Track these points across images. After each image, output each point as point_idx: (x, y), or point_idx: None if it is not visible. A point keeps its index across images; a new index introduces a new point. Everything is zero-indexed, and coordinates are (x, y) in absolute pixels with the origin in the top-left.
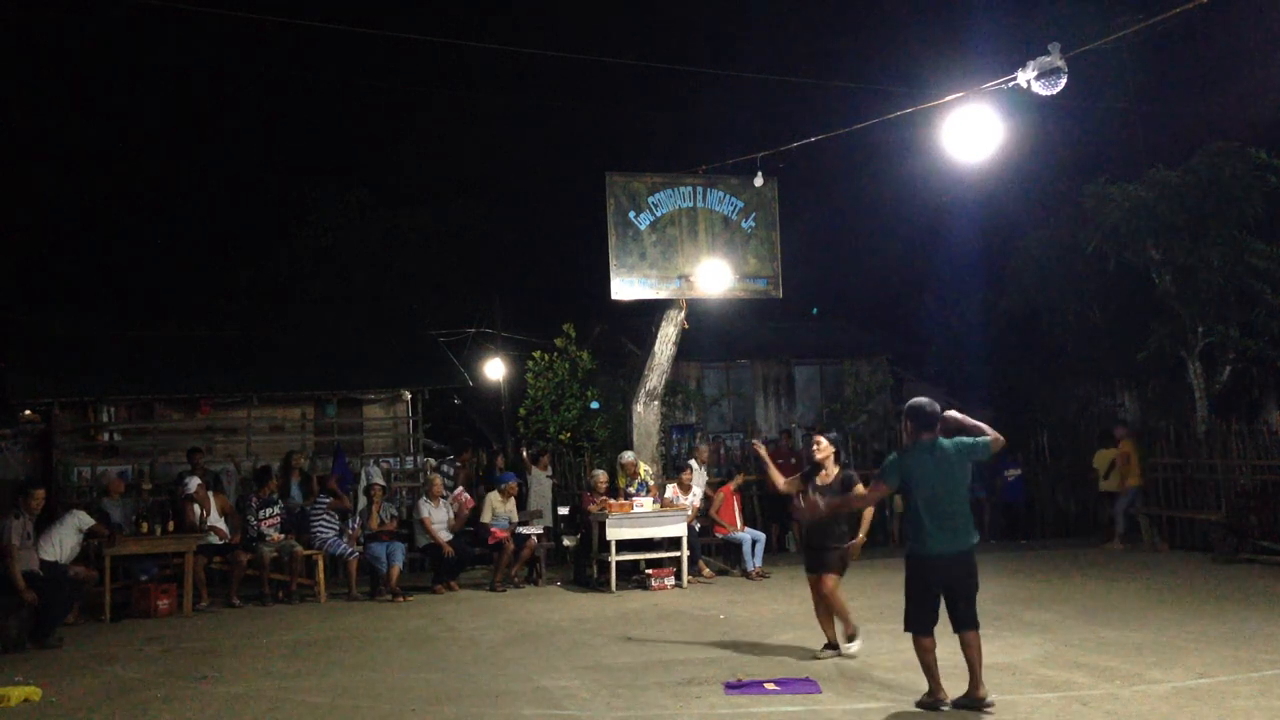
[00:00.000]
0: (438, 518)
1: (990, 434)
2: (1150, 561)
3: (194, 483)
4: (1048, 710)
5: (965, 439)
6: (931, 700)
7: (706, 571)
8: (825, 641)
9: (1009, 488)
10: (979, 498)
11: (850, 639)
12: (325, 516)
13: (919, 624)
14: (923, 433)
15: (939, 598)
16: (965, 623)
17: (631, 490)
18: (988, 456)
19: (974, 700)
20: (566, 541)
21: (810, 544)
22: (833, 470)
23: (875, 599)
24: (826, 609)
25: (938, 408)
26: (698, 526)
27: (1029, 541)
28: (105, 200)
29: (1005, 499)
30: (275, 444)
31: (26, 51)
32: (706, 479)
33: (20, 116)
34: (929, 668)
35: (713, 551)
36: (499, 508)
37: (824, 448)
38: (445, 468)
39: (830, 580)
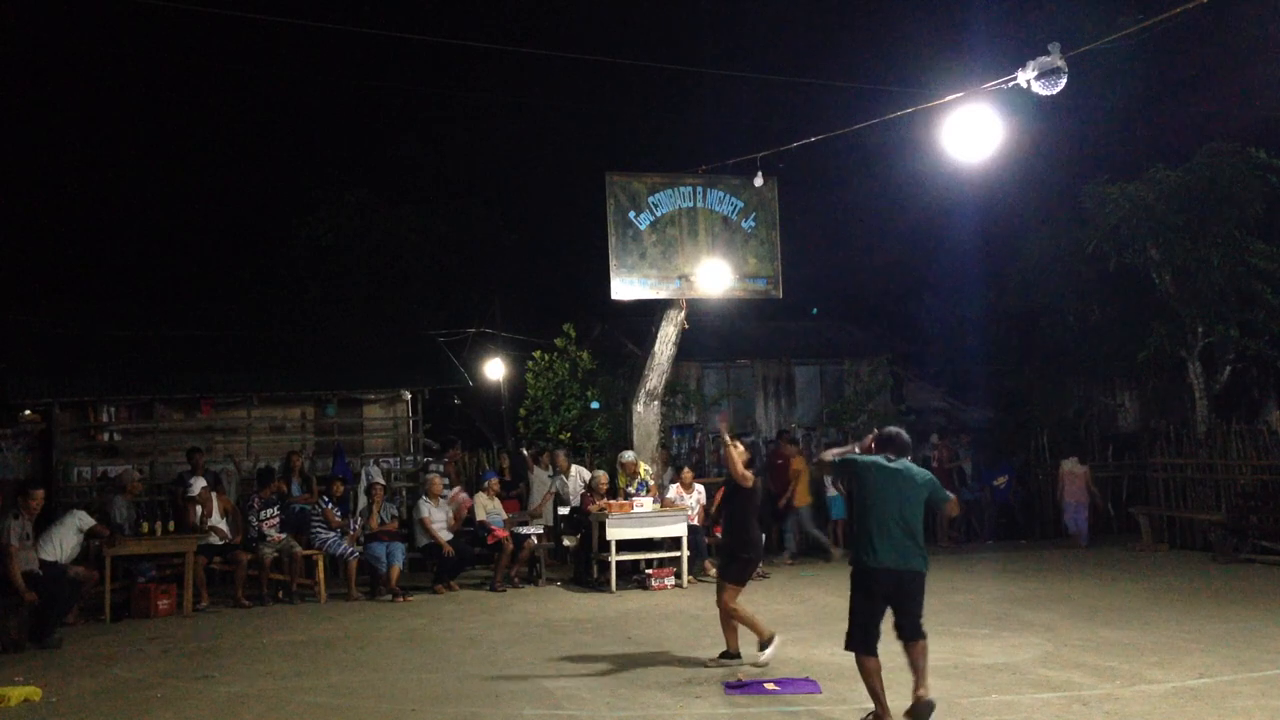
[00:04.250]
0: (437, 517)
1: (951, 498)
2: (1150, 561)
3: (199, 484)
4: (1048, 710)
5: (934, 479)
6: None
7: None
8: (724, 649)
9: (999, 493)
10: (978, 498)
11: (763, 646)
12: (323, 518)
13: (861, 644)
14: (891, 455)
15: (881, 614)
16: (912, 634)
17: (631, 490)
18: (939, 506)
19: (919, 704)
20: (566, 541)
21: (728, 548)
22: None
23: None
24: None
25: (909, 443)
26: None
27: (993, 542)
28: (106, 200)
29: (997, 500)
30: (275, 444)
31: (28, 49)
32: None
33: (21, 116)
34: (874, 690)
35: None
36: (488, 505)
37: (741, 451)
38: (435, 466)
39: (732, 593)
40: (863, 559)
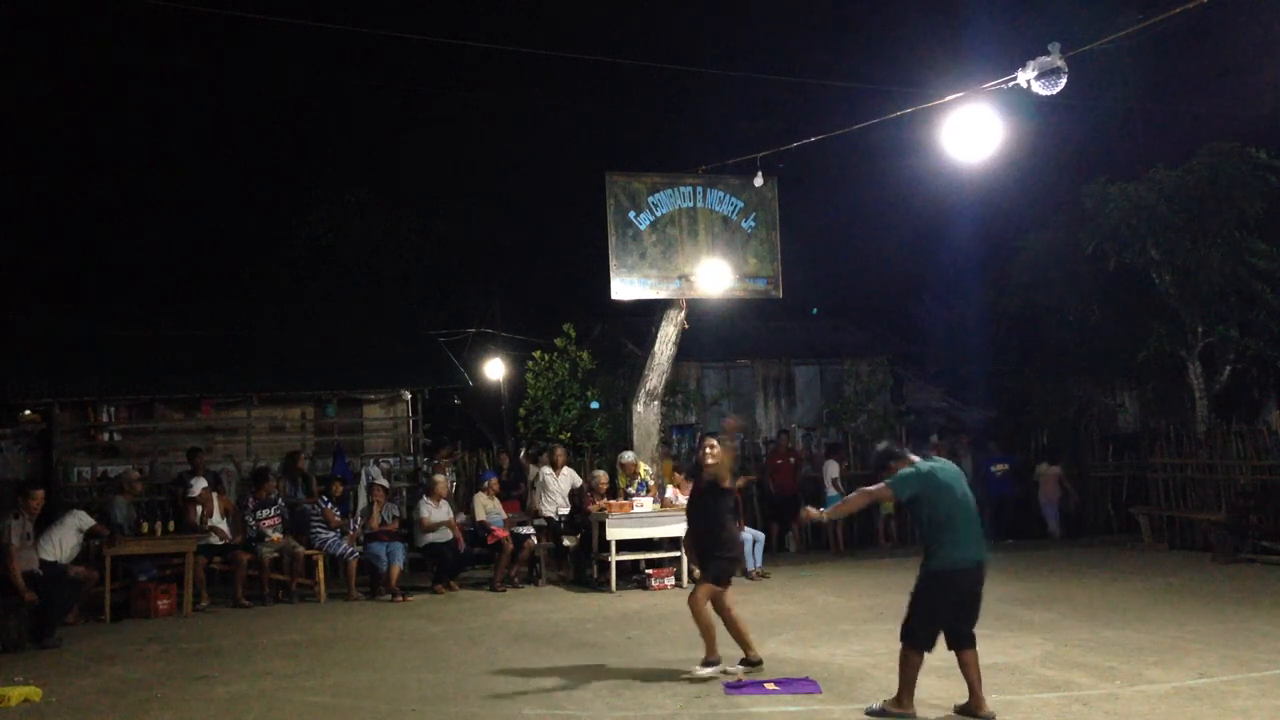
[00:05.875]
0: (437, 517)
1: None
2: (1150, 561)
3: (200, 485)
4: (1048, 710)
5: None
6: (900, 711)
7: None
8: (741, 656)
9: (996, 483)
10: (979, 499)
11: (706, 664)
12: (323, 518)
13: (923, 641)
14: (896, 461)
15: (950, 617)
16: (967, 640)
17: (631, 490)
18: None
19: (978, 716)
20: (566, 541)
21: (698, 550)
22: (711, 473)
23: (873, 599)
24: (732, 619)
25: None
26: None
27: (1015, 542)
28: (106, 200)
29: (993, 494)
30: (275, 444)
31: (28, 49)
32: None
33: (21, 115)
34: (910, 682)
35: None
36: (488, 505)
37: (716, 451)
38: (425, 467)
39: (705, 590)
40: (951, 557)
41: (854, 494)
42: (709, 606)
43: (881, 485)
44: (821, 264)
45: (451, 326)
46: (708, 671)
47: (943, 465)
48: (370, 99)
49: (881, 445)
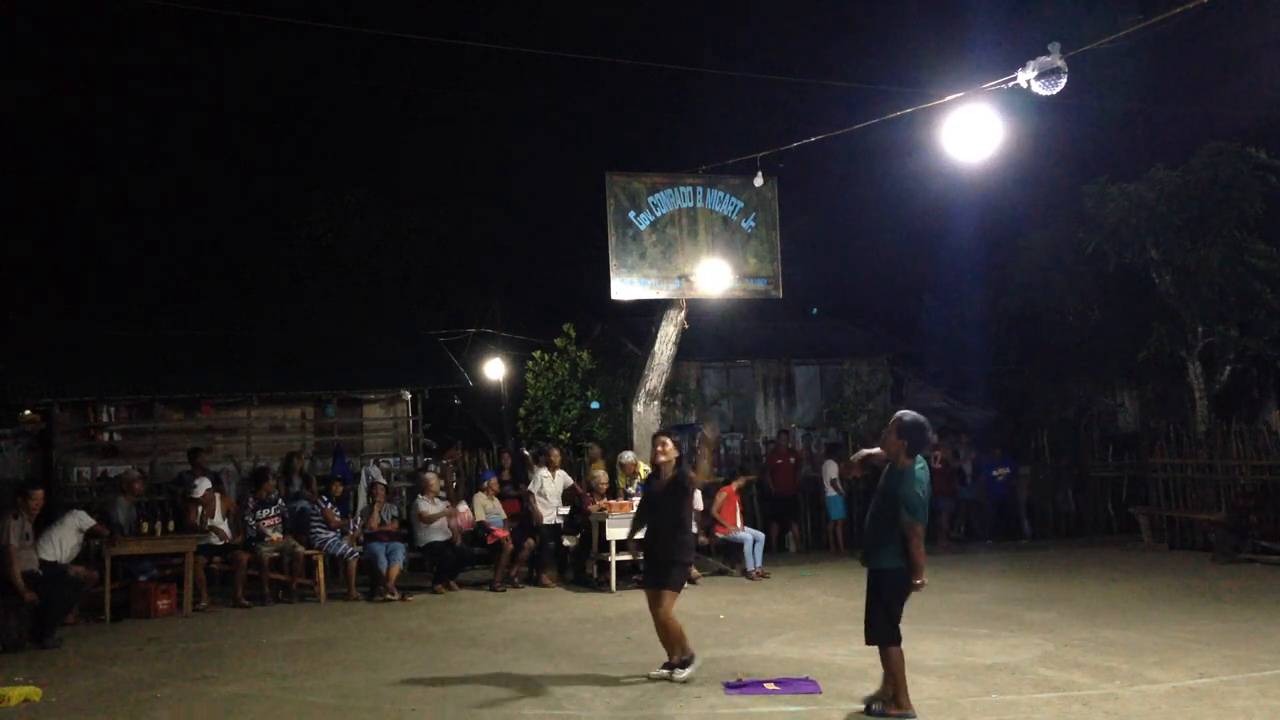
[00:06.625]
0: (435, 513)
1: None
2: (1150, 561)
3: (203, 485)
4: (1048, 710)
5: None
6: (899, 713)
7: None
8: (665, 660)
9: (996, 487)
10: (979, 499)
11: (684, 665)
12: (323, 518)
13: (898, 635)
14: (920, 450)
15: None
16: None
17: (631, 490)
18: None
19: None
20: (566, 541)
21: (653, 556)
22: (669, 474)
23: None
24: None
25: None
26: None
27: (992, 542)
28: (106, 200)
29: (992, 497)
30: (275, 444)
31: (27, 49)
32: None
33: (21, 115)
34: (904, 678)
35: (712, 551)
36: (488, 505)
37: (668, 450)
38: (433, 467)
39: (669, 599)
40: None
41: (916, 554)
42: (671, 610)
43: (919, 527)
44: (821, 264)
45: (451, 326)
46: (688, 673)
47: (925, 470)
48: (370, 99)
49: (909, 418)
